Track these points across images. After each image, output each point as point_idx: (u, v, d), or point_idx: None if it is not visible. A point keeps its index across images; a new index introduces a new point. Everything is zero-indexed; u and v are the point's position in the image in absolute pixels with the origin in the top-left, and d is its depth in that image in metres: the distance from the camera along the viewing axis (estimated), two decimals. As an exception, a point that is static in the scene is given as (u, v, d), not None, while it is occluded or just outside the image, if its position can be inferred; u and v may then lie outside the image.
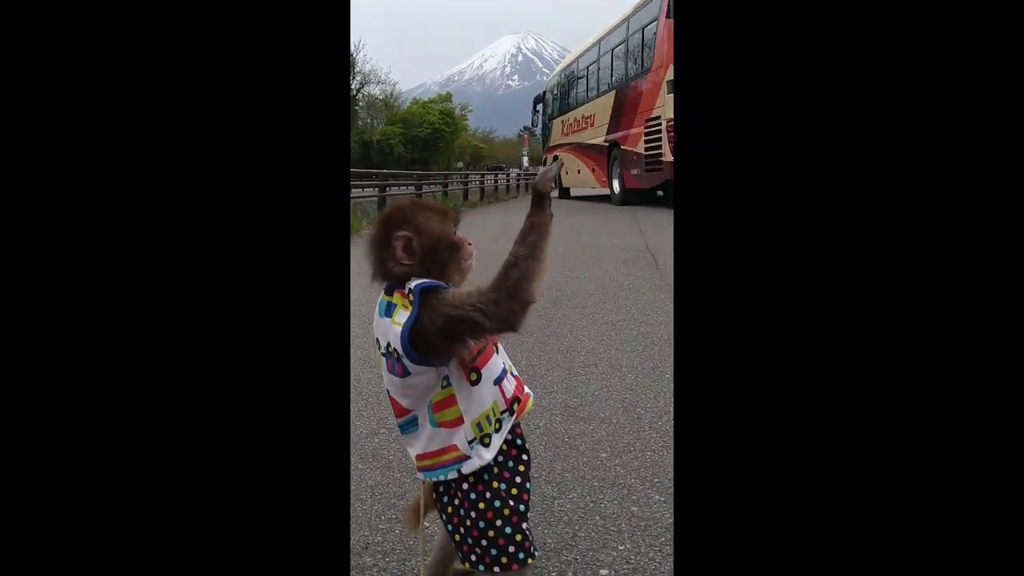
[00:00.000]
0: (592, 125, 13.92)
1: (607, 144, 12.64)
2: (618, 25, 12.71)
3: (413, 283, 1.05)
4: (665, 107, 9.74)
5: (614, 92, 12.56)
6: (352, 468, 1.97)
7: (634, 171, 11.22)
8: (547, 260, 1.05)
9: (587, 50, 14.95)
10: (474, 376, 1.08)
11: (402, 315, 1.04)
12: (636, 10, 11.53)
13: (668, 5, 9.69)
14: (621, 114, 12.01)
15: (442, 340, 1.01)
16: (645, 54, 10.98)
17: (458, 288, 1.07)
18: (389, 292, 1.09)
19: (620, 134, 11.98)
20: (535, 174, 30.78)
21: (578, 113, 15.29)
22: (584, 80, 14.94)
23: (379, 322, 1.09)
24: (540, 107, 19.69)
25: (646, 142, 10.62)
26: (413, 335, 1.01)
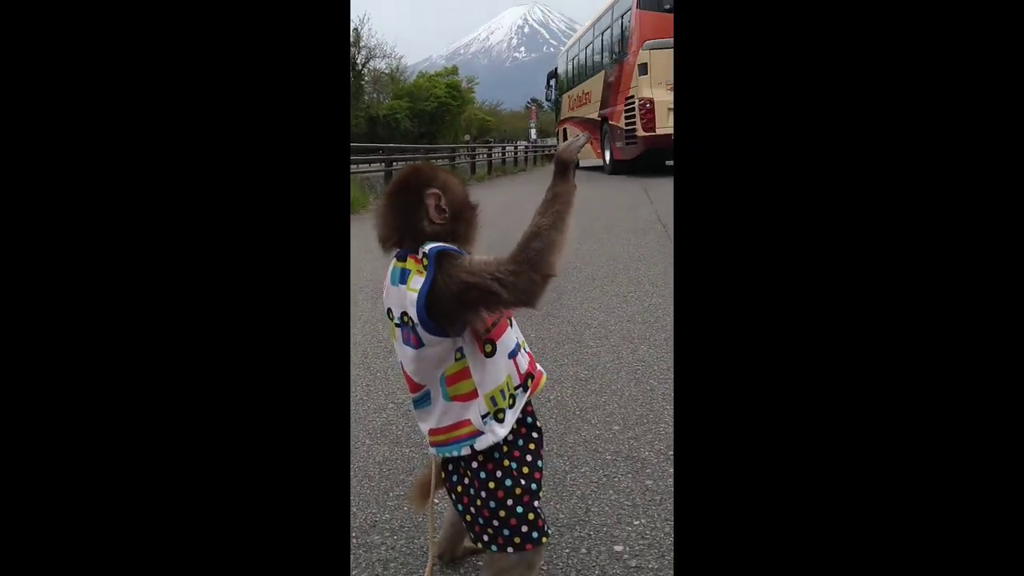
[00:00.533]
0: (590, 101, 15.01)
1: (600, 119, 13.70)
2: (605, 11, 13.82)
3: (428, 247, 1.00)
4: (638, 87, 10.98)
5: (603, 72, 13.70)
6: (360, 444, 1.93)
7: (618, 143, 12.31)
8: (569, 232, 1.00)
9: (585, 32, 16.17)
10: (489, 348, 1.03)
11: (417, 281, 0.99)
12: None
13: None
14: (609, 92, 13.05)
15: (457, 306, 0.97)
16: (624, 39, 12.13)
17: (473, 256, 1.02)
18: (402, 258, 1.04)
19: (609, 110, 13.03)
20: (543, 146, 30.57)
21: (580, 89, 16.38)
22: (585, 58, 16.07)
23: (392, 290, 1.04)
24: (553, 82, 20.49)
25: (625, 118, 11.69)
26: (430, 300, 0.97)
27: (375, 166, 11.94)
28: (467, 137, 35.90)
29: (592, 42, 14.95)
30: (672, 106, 10.49)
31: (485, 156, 19.85)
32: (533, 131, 35.04)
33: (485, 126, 48.08)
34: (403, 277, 1.02)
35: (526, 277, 0.95)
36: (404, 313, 1.01)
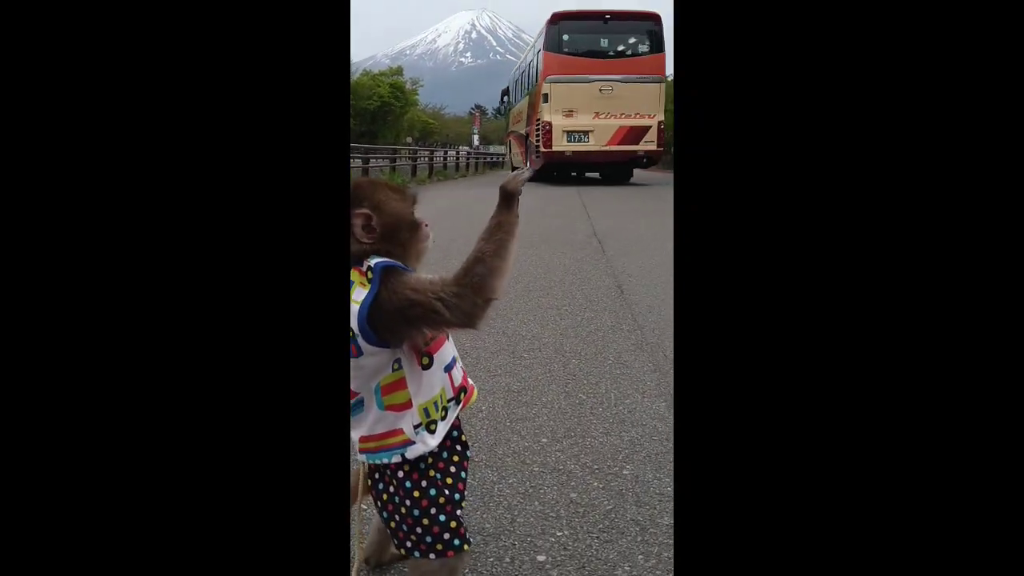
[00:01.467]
0: (522, 119, 18.26)
1: (525, 134, 16.17)
2: (530, 47, 17.55)
3: (373, 261, 1.02)
4: (542, 112, 14.50)
5: (528, 96, 17.17)
6: (288, 448, 1.92)
7: (534, 156, 15.15)
8: (512, 259, 1.03)
9: (523, 59, 19.64)
10: (426, 360, 1.06)
11: (359, 292, 1.00)
12: (537, 37, 16.12)
13: (544, 38, 14.72)
14: (531, 113, 16.30)
15: (399, 322, 0.99)
16: (537, 73, 15.56)
17: (419, 274, 1.05)
18: None
19: (529, 128, 16.12)
20: (486, 153, 30.63)
21: (517, 108, 19.87)
22: (520, 82, 19.52)
23: None
24: (505, 98, 24.02)
25: (536, 136, 14.74)
26: (371, 313, 0.98)
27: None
28: (409, 139, 35.60)
29: (524, 70, 18.49)
30: (567, 129, 14.32)
31: (427, 159, 19.75)
32: (476, 137, 35.10)
33: (428, 129, 47.81)
34: None
35: (469, 300, 0.98)
36: None
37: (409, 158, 18.23)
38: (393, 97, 37.44)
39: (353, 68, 42.11)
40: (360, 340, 1.00)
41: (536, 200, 9.57)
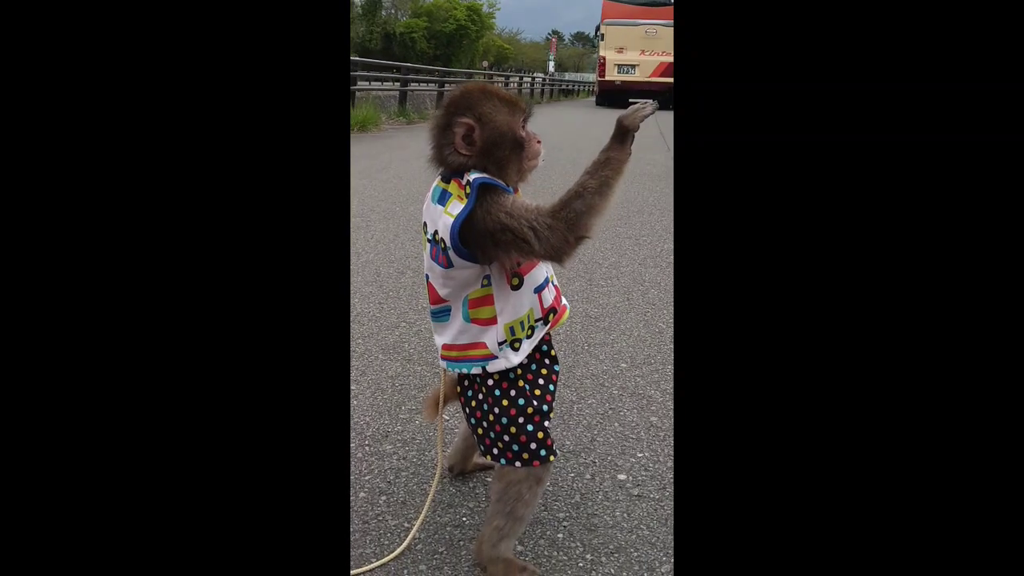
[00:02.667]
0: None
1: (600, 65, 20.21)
2: None
3: (472, 176, 0.99)
4: (599, 49, 18.69)
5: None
6: (373, 359, 1.98)
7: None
8: (613, 199, 0.99)
9: None
10: (516, 281, 1.05)
11: (455, 206, 0.99)
12: None
13: None
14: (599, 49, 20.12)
15: (489, 243, 0.97)
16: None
17: (516, 196, 1.02)
18: (446, 179, 1.04)
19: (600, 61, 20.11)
20: (561, 80, 29.84)
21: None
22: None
23: (430, 208, 1.05)
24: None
25: (597, 68, 19.09)
26: (464, 229, 0.97)
27: (388, 84, 11.68)
28: (485, 64, 34.93)
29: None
30: (617, 62, 18.04)
31: (502, 85, 19.47)
32: (552, 63, 34.15)
33: (503, 54, 46.80)
34: (443, 198, 1.02)
35: (560, 234, 0.95)
36: (437, 232, 1.02)
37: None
38: (469, 20, 36.62)
39: (429, -11, 41.28)
40: (451, 253, 0.99)
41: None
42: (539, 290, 1.08)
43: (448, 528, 1.25)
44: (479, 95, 1.04)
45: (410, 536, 1.19)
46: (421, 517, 1.21)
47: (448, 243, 0.99)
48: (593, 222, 0.97)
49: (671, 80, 16.38)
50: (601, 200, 0.98)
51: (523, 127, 1.05)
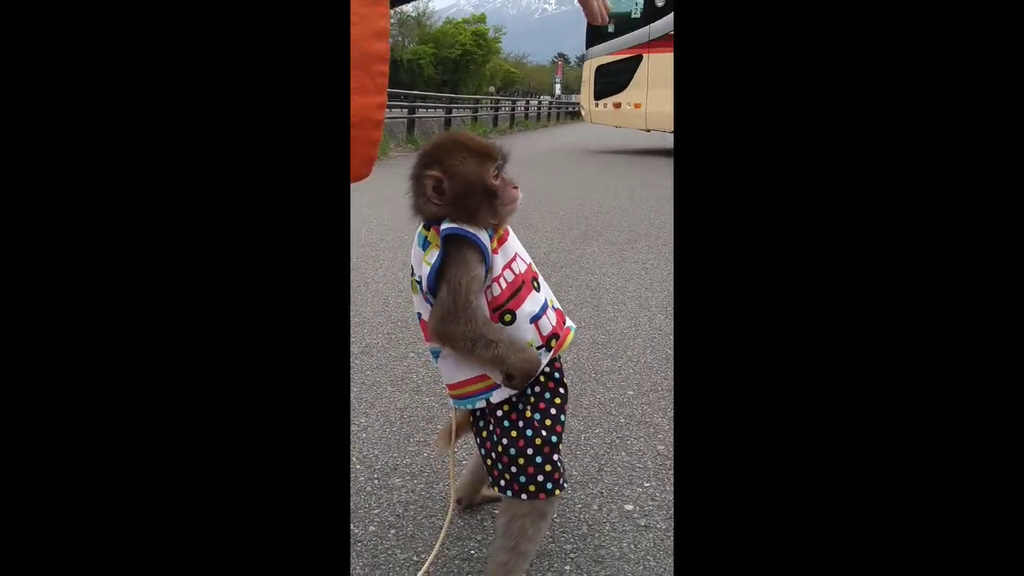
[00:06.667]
0: None
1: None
2: None
3: (444, 226, 1.04)
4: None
5: None
6: (382, 391, 2.00)
7: None
8: (490, 366, 1.07)
9: None
10: (508, 318, 1.07)
11: (433, 254, 1.04)
12: None
13: None
14: None
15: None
16: None
17: (478, 271, 1.04)
18: (427, 226, 1.09)
19: None
20: (567, 103, 30.09)
21: None
22: None
23: (415, 251, 1.10)
24: None
25: None
26: (438, 280, 1.03)
27: (396, 112, 11.84)
28: (491, 89, 35.32)
29: None
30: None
31: (508, 109, 19.64)
32: (558, 86, 34.49)
33: (510, 78, 47.29)
34: (424, 244, 1.08)
35: (461, 332, 1.03)
36: (421, 278, 1.06)
37: (491, 108, 18.17)
38: (475, 45, 37.14)
39: (436, 15, 41.91)
40: (431, 297, 1.05)
41: (618, 160, 9.38)
42: (535, 319, 1.09)
43: (456, 561, 1.26)
44: (450, 146, 1.08)
45: (422, 572, 1.20)
46: (434, 552, 1.22)
47: (425, 289, 1.05)
48: (470, 354, 1.05)
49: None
50: (485, 360, 1.06)
51: (496, 175, 1.08)
